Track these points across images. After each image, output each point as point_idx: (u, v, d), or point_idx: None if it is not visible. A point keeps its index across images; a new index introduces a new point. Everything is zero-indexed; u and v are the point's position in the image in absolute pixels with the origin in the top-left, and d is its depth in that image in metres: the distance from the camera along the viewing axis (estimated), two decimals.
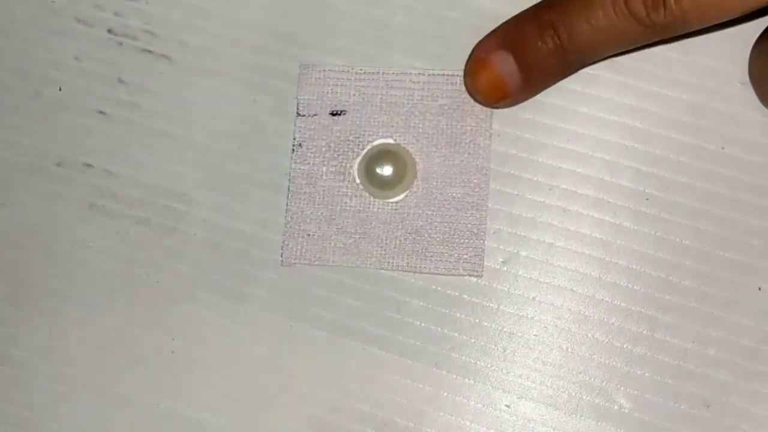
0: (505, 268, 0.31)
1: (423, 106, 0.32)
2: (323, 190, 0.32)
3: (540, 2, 0.29)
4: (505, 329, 0.31)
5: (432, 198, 0.32)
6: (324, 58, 0.33)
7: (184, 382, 0.32)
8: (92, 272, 0.33)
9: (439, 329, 0.31)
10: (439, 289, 0.31)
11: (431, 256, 0.31)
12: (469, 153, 0.32)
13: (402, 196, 0.32)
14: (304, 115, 0.32)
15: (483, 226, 0.31)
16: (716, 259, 0.31)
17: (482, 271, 0.31)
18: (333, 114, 0.32)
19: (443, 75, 0.32)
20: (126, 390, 0.32)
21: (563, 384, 0.31)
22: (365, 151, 0.32)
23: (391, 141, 0.32)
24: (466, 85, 0.31)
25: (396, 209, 0.32)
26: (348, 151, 0.32)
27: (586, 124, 0.31)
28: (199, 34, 0.33)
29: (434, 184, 0.32)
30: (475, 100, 0.31)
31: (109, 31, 0.34)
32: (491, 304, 0.31)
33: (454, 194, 0.31)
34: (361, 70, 0.32)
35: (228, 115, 0.33)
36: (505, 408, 0.31)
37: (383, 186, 0.32)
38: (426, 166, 0.32)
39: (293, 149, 0.32)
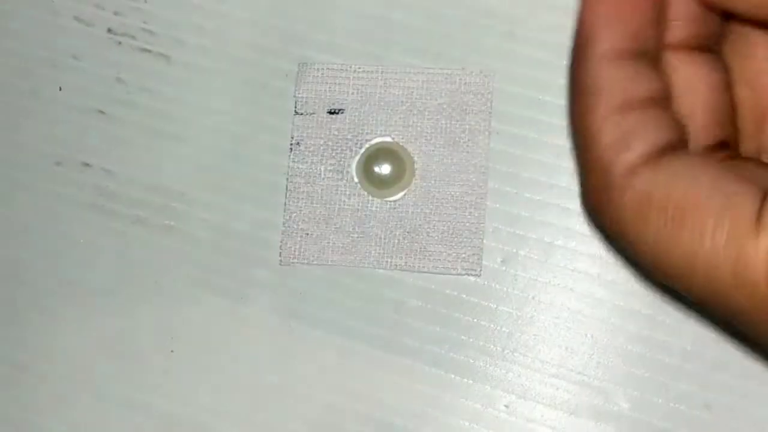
0: (504, 268, 0.31)
1: (422, 105, 0.32)
2: (321, 189, 0.32)
3: None
4: (503, 329, 0.31)
5: (430, 197, 0.31)
6: (322, 56, 0.32)
7: (183, 382, 0.32)
8: (91, 272, 0.33)
9: (438, 329, 0.31)
10: (438, 288, 0.31)
11: (429, 255, 0.31)
12: (467, 151, 0.31)
13: (400, 195, 0.32)
14: (302, 114, 0.32)
15: (481, 224, 0.31)
16: None
17: (481, 270, 0.31)
18: (331, 112, 0.32)
19: (442, 73, 0.32)
20: (125, 390, 0.32)
21: (562, 384, 0.30)
22: (363, 149, 0.32)
23: (389, 139, 0.32)
24: None
25: (394, 208, 0.32)
26: (346, 150, 0.32)
27: None
28: (198, 33, 0.33)
29: (433, 182, 0.31)
30: None
31: (109, 30, 0.34)
32: (490, 304, 0.31)
33: (453, 193, 0.31)
34: (359, 68, 0.32)
35: (226, 113, 0.33)
36: (504, 408, 0.31)
37: (381, 185, 0.31)
38: (424, 165, 0.32)
39: (291, 148, 0.32)
